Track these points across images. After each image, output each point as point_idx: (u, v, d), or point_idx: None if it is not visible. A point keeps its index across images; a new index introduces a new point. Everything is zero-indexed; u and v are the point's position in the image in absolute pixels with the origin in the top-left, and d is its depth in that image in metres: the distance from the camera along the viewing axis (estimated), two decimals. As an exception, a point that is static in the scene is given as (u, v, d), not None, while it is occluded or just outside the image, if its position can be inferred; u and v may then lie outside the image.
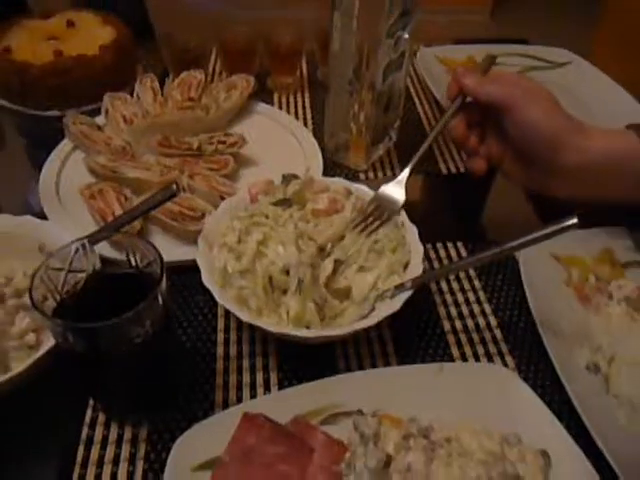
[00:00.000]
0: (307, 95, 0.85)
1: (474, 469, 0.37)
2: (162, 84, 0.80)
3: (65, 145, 0.70)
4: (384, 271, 0.47)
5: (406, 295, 0.45)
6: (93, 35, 0.84)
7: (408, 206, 0.54)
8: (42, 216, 0.58)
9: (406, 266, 0.48)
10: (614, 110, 0.80)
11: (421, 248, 0.49)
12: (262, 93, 0.82)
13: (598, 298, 0.53)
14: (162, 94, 0.77)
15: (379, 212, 0.51)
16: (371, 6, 0.57)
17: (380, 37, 0.59)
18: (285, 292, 0.45)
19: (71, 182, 0.64)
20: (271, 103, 0.81)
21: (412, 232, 0.50)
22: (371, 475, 0.38)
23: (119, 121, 0.71)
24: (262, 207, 0.49)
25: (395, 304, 0.44)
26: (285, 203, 0.48)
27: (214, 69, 0.89)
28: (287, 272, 0.44)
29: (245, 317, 0.44)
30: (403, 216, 0.52)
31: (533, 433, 0.41)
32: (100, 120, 0.73)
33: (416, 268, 0.47)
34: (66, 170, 0.67)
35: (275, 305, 0.45)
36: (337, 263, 0.46)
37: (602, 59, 1.68)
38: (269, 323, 0.45)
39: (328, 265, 0.46)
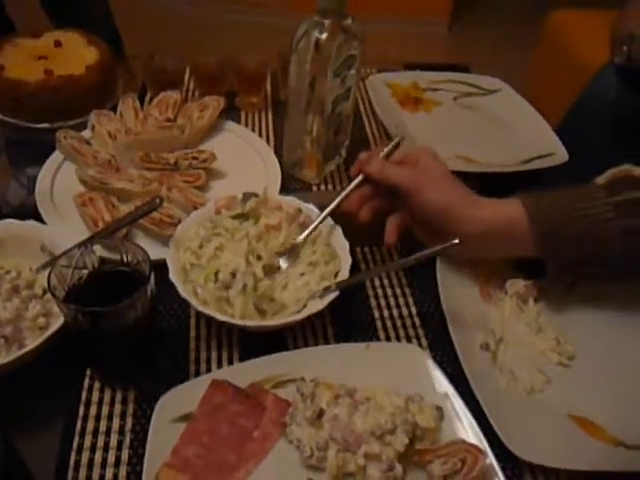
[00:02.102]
0: (270, 114, 0.97)
1: (383, 418, 0.50)
2: (142, 101, 0.91)
3: (56, 157, 0.80)
4: (317, 278, 0.60)
5: (333, 296, 0.58)
6: (79, 55, 0.94)
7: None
8: (20, 211, 0.68)
9: (336, 274, 0.61)
10: (532, 136, 0.94)
11: (349, 260, 0.61)
12: (231, 111, 0.94)
13: (496, 294, 0.67)
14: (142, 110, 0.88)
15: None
16: (321, 53, 0.70)
17: (328, 77, 0.71)
18: (228, 289, 0.57)
19: (64, 190, 0.75)
20: (238, 121, 0.93)
21: (344, 247, 0.63)
22: (307, 423, 0.50)
23: (105, 136, 0.81)
24: (223, 219, 0.61)
25: (323, 303, 0.57)
26: (243, 217, 0.61)
27: (188, 90, 1.00)
28: (233, 275, 0.56)
29: (198, 306, 0.56)
30: (339, 234, 0.64)
31: (433, 394, 0.55)
32: (87, 134, 0.84)
33: (343, 275, 0.60)
34: (58, 179, 0.78)
35: (218, 297, 0.57)
36: (279, 271, 0.59)
37: (534, 86, 1.86)
38: (215, 311, 0.56)
39: (267, 278, 0.58)
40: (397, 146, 0.69)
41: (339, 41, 0.70)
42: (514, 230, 0.61)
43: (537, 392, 0.58)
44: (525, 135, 0.95)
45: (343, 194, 0.66)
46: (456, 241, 0.55)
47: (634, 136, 0.90)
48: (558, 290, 0.68)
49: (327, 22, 0.69)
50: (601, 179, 0.60)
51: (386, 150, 0.68)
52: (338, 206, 0.66)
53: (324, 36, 0.70)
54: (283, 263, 0.61)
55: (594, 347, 0.63)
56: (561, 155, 0.89)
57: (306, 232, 0.63)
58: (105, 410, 0.55)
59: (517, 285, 0.67)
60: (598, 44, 1.16)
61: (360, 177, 0.66)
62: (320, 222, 0.65)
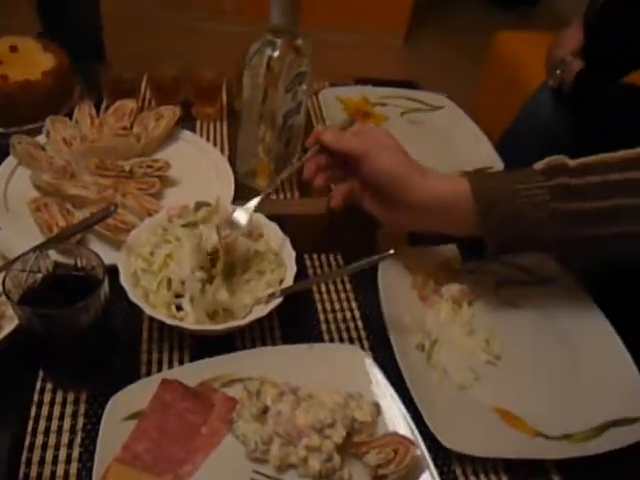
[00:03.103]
0: (225, 124, 1.00)
1: (323, 413, 0.54)
2: (98, 108, 0.93)
3: (10, 162, 0.81)
4: (263, 285, 0.64)
5: (276, 302, 0.61)
6: (35, 60, 0.95)
7: (303, 224, 0.70)
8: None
9: (282, 281, 0.65)
10: (472, 151, 1.01)
11: (294, 269, 0.65)
12: (186, 121, 0.97)
13: (433, 297, 0.72)
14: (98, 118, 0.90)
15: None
16: (273, 70, 0.74)
17: (279, 92, 0.75)
18: (178, 296, 0.60)
19: (18, 195, 0.76)
20: (194, 130, 0.96)
21: (290, 256, 0.66)
22: (253, 419, 0.54)
23: (60, 143, 0.83)
24: (175, 227, 0.64)
25: (267, 308, 0.61)
26: (193, 225, 0.64)
27: (144, 98, 1.02)
28: (184, 283, 0.60)
29: (148, 311, 0.59)
30: (287, 244, 0.68)
31: (371, 391, 0.59)
32: (41, 139, 0.85)
33: (288, 283, 0.64)
34: (12, 184, 0.79)
35: (169, 302, 0.60)
36: (228, 277, 0.63)
37: (482, 102, 1.95)
38: (165, 316, 0.59)
39: (218, 280, 0.61)
40: (351, 124, 0.75)
41: (290, 59, 0.74)
42: (458, 203, 0.64)
43: (467, 388, 0.64)
44: (466, 149, 1.01)
45: (300, 162, 0.70)
46: (391, 252, 0.59)
47: (567, 154, 0.97)
48: (489, 292, 0.74)
49: (279, 41, 0.73)
50: (539, 165, 0.64)
51: (340, 124, 0.74)
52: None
53: (276, 54, 0.73)
54: (231, 269, 0.64)
55: (519, 347, 0.69)
56: (499, 169, 0.96)
57: (253, 202, 0.69)
58: (57, 410, 0.57)
59: (452, 289, 0.72)
60: (539, 65, 1.25)
61: (316, 147, 0.68)
62: (271, 191, 0.72)
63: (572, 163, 0.64)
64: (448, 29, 3.17)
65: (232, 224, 0.67)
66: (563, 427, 0.61)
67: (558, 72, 1.11)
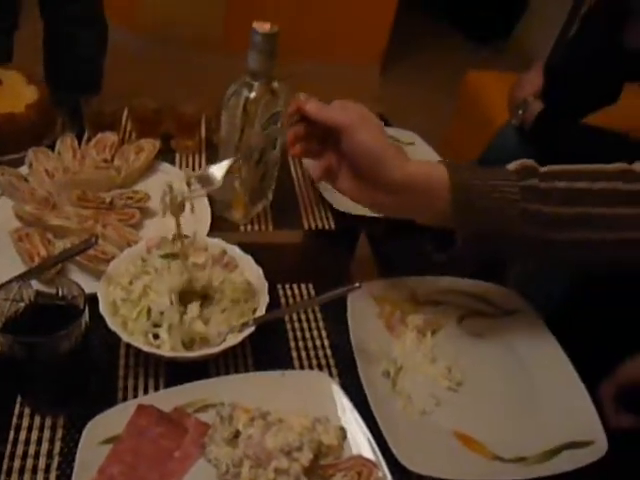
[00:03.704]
0: (204, 156, 1.04)
1: (292, 437, 0.57)
2: (80, 140, 0.97)
3: (-8, 192, 0.84)
4: (237, 315, 0.67)
5: (249, 330, 0.65)
6: (19, 93, 0.98)
7: (277, 255, 0.74)
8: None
9: (255, 311, 0.68)
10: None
11: (267, 299, 0.68)
12: (166, 153, 1.00)
13: (399, 327, 0.76)
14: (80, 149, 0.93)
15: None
16: (249, 110, 0.78)
17: (255, 130, 0.80)
18: (156, 326, 0.63)
19: (0, 225, 0.78)
20: (173, 163, 1.00)
21: (263, 286, 0.70)
22: (225, 443, 0.57)
23: (42, 174, 0.86)
24: (153, 258, 0.68)
25: (239, 337, 0.64)
26: (172, 257, 0.67)
27: (125, 131, 1.06)
28: (162, 313, 0.63)
29: (125, 338, 0.62)
30: (260, 275, 0.71)
31: (338, 416, 0.62)
32: (24, 170, 0.88)
33: (261, 312, 0.67)
34: (-6, 214, 0.81)
35: (146, 330, 0.63)
36: (203, 307, 0.66)
37: (454, 137, 2.02)
38: (142, 344, 0.62)
39: (194, 310, 0.65)
40: None
41: (266, 100, 0.79)
42: (433, 188, 0.63)
43: (428, 413, 0.67)
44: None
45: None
46: (357, 285, 0.64)
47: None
48: (452, 322, 0.78)
49: (256, 84, 0.78)
50: (512, 165, 0.67)
51: None
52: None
53: (253, 95, 0.78)
54: (207, 299, 0.67)
55: (480, 374, 0.73)
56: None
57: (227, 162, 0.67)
58: (35, 435, 0.59)
59: (417, 319, 0.76)
60: (505, 103, 1.32)
61: (296, 117, 0.67)
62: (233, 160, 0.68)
63: (542, 168, 0.66)
64: (423, 63, 3.28)
65: (207, 179, 0.66)
66: (519, 450, 0.65)
67: (520, 112, 1.18)
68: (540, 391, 0.72)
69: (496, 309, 0.82)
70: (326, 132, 0.66)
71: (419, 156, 1.13)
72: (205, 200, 0.90)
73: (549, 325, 0.79)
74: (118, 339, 0.63)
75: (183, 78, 2.48)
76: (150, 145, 0.95)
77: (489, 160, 1.30)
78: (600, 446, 0.65)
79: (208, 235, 0.81)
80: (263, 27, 0.74)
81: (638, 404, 0.76)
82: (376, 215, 0.85)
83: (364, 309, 0.76)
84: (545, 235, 0.65)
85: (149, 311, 0.63)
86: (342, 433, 0.61)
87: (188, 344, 0.64)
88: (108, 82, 1.67)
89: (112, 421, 0.58)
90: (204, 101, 1.05)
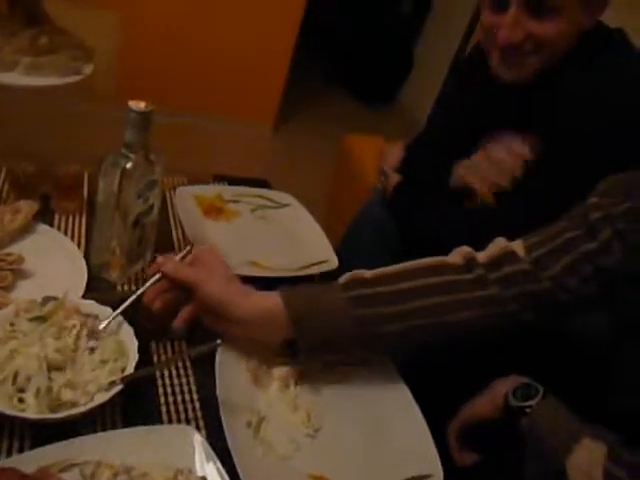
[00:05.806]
0: (85, 217, 1.06)
1: (153, 488, 0.61)
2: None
3: None
4: (106, 373, 0.71)
5: (117, 389, 0.69)
6: None
7: (150, 313, 0.79)
8: None
9: (124, 369, 0.72)
10: (312, 245, 1.15)
11: (136, 357, 0.73)
12: (46, 214, 1.02)
13: (265, 378, 0.83)
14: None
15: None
16: (126, 178, 0.84)
17: (132, 198, 0.85)
18: (21, 390, 0.66)
19: None
20: (52, 224, 1.01)
21: (133, 345, 0.74)
22: (86, 499, 0.60)
23: None
24: (21, 322, 0.70)
25: (107, 396, 0.68)
26: (40, 320, 0.70)
27: (2, 192, 1.07)
28: (29, 379, 0.66)
29: None
30: (131, 334, 0.76)
31: (201, 467, 0.67)
32: None
33: (129, 370, 0.72)
34: None
35: (11, 395, 0.65)
36: (72, 367, 0.69)
37: (332, 199, 2.17)
38: (5, 407, 0.64)
39: (61, 379, 0.68)
40: (190, 251, 0.86)
41: (142, 169, 0.85)
42: (273, 316, 0.78)
43: (288, 459, 0.74)
44: (307, 245, 1.16)
45: (140, 291, 0.81)
46: (218, 341, 0.71)
47: (390, 253, 1.17)
48: (314, 373, 0.86)
49: (133, 156, 0.84)
50: (342, 278, 0.82)
51: (180, 255, 0.86)
52: (137, 301, 0.81)
53: (129, 165, 0.84)
54: (76, 360, 0.71)
55: (336, 420, 0.81)
56: (333, 262, 1.11)
57: (103, 323, 0.76)
58: None
59: (281, 370, 0.84)
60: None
61: (157, 275, 0.81)
62: (115, 316, 0.77)
63: (368, 274, 0.81)
64: (313, 123, 3.47)
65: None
66: (367, 486, 0.73)
67: (382, 179, 1.32)
68: (388, 433, 0.81)
69: (354, 358, 0.90)
70: (184, 284, 0.80)
71: (294, 217, 1.24)
72: (82, 260, 0.93)
73: (402, 372, 0.89)
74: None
75: (72, 129, 2.46)
76: (28, 206, 0.97)
77: (360, 223, 1.41)
78: (437, 478, 0.75)
79: (84, 296, 0.85)
80: (139, 105, 0.81)
81: (481, 440, 0.88)
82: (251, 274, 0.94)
83: (232, 363, 0.82)
84: (375, 331, 0.79)
85: (15, 376, 0.65)
86: (203, 483, 0.66)
87: (55, 408, 0.67)
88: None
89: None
90: (86, 161, 1.09)
